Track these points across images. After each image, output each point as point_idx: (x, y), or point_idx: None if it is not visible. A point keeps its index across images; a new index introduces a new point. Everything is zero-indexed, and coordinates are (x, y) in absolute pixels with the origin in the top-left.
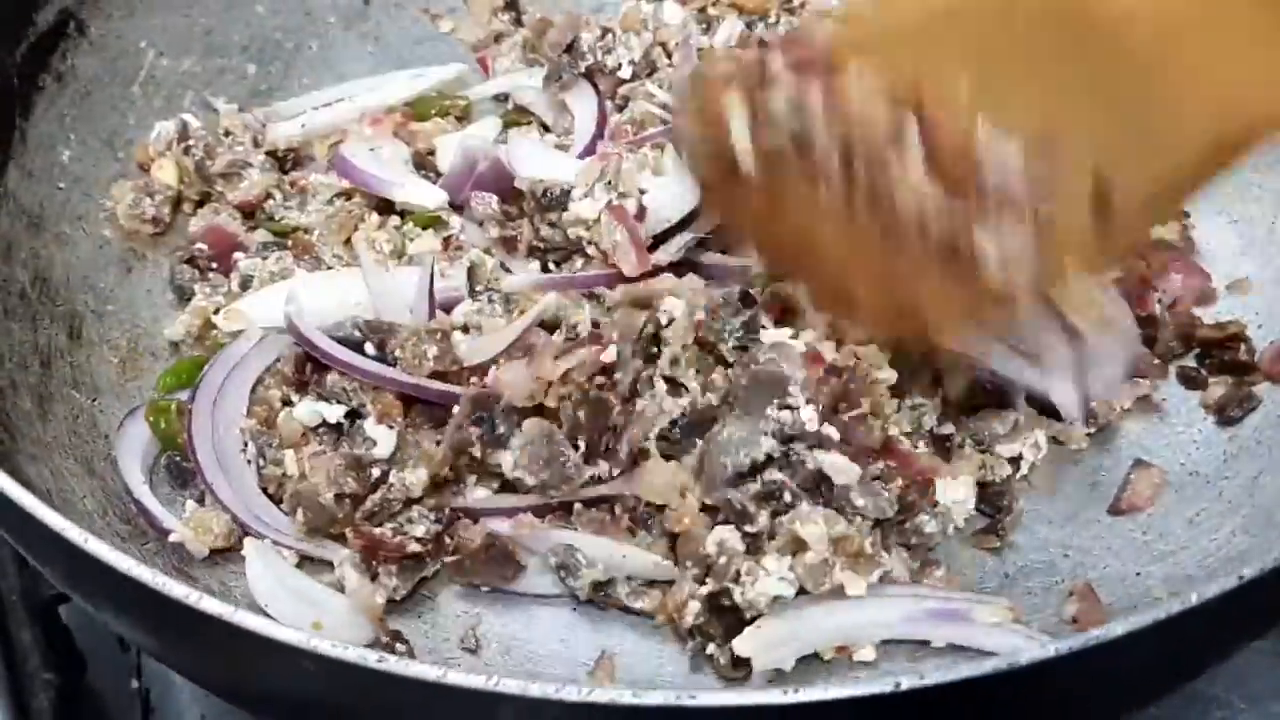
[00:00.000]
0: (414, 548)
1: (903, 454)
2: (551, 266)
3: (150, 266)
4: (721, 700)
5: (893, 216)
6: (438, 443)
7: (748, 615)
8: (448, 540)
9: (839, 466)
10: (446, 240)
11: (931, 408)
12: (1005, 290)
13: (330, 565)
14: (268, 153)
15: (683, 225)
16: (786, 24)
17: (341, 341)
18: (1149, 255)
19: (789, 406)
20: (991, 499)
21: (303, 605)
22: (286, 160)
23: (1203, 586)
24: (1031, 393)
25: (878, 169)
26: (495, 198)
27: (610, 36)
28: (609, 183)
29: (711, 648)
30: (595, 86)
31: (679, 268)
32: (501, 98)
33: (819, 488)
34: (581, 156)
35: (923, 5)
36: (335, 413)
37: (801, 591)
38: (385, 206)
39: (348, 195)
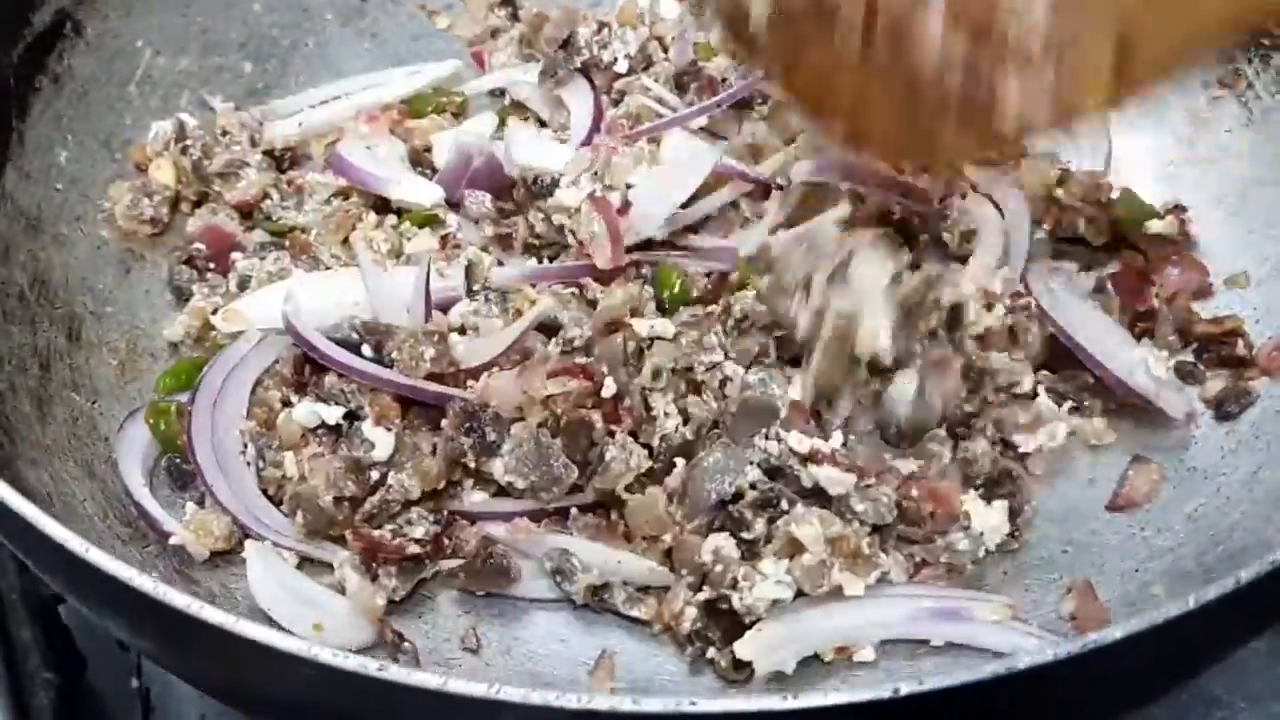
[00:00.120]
0: (413, 549)
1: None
2: (546, 262)
3: (148, 267)
4: (721, 707)
5: (913, 62)
6: (435, 445)
7: (746, 620)
8: (446, 542)
9: (834, 479)
10: (444, 239)
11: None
12: (1018, 131)
13: (330, 567)
14: (265, 152)
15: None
16: None
17: (339, 343)
18: (1147, 249)
19: (777, 437)
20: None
21: (304, 607)
22: (284, 159)
23: (1201, 589)
24: (1135, 393)
25: (900, 19)
26: (489, 195)
27: (606, 31)
28: (596, 173)
29: (711, 652)
30: (591, 81)
31: (660, 248)
32: (498, 94)
33: (817, 495)
34: None
35: None
36: (334, 414)
37: (800, 594)
38: (382, 206)
39: (345, 194)
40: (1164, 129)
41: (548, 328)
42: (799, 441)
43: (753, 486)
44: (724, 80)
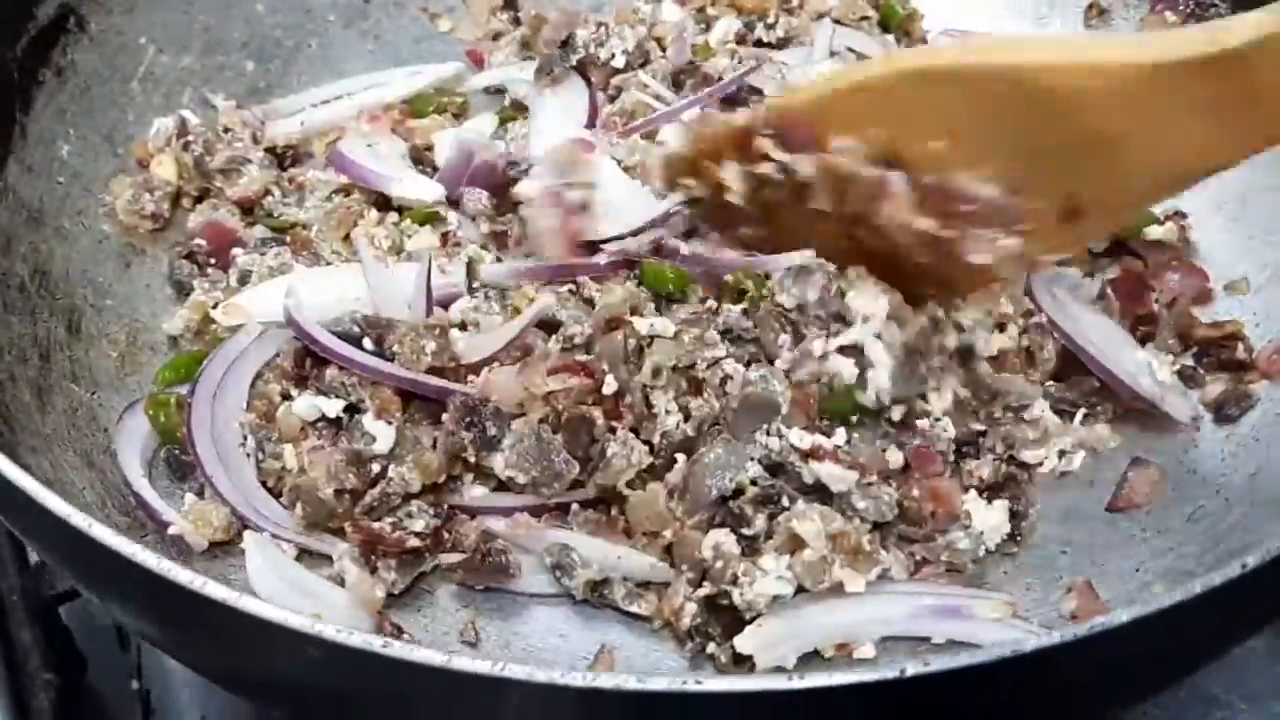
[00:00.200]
0: (413, 542)
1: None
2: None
3: (149, 261)
4: (726, 686)
5: (886, 237)
6: (435, 439)
7: (747, 616)
8: (446, 535)
9: (835, 475)
10: (444, 236)
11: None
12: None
13: (330, 559)
14: (267, 149)
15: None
16: (785, 24)
17: (340, 336)
18: (1147, 255)
19: (778, 433)
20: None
21: (303, 598)
22: (285, 157)
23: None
24: (1141, 398)
25: (869, 201)
26: (486, 193)
27: (604, 30)
28: (562, 168)
29: (711, 647)
30: (587, 78)
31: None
32: (498, 93)
33: (818, 491)
34: None
35: (894, 71)
36: (334, 407)
37: (801, 590)
38: (383, 203)
39: (346, 191)
40: None
41: (547, 325)
42: (800, 438)
43: (753, 483)
44: (720, 79)
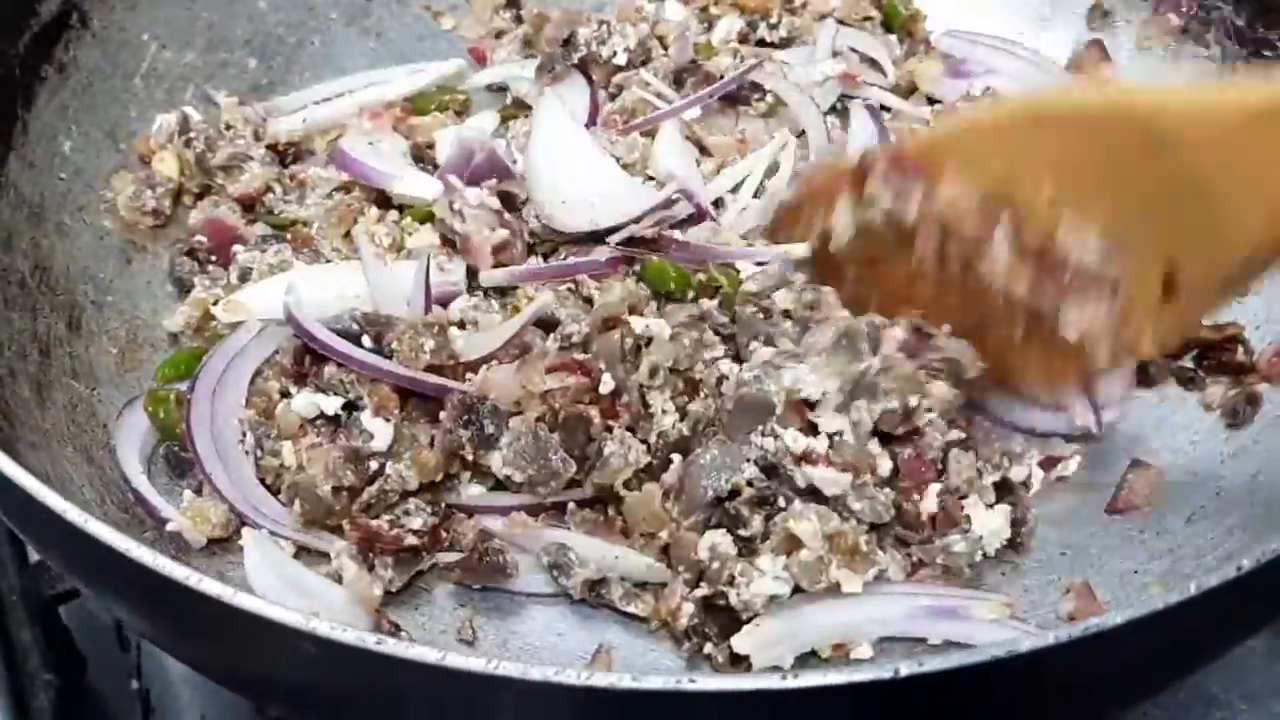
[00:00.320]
0: (411, 540)
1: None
2: (540, 260)
3: (150, 258)
4: (721, 685)
5: (982, 288)
6: (433, 436)
7: (744, 616)
8: (443, 534)
9: (829, 479)
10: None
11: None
12: (1084, 352)
13: (327, 556)
14: (268, 146)
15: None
16: (788, 24)
17: (339, 333)
18: None
19: (773, 434)
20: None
21: (300, 596)
22: (287, 154)
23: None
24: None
25: (971, 254)
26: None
27: (605, 28)
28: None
29: (709, 647)
30: (588, 76)
31: (643, 245)
32: (500, 91)
33: (813, 493)
34: None
35: (1008, 114)
36: (333, 404)
37: (797, 590)
38: (384, 201)
39: (347, 189)
40: None
41: (546, 323)
42: (794, 440)
43: (749, 484)
44: (722, 78)
